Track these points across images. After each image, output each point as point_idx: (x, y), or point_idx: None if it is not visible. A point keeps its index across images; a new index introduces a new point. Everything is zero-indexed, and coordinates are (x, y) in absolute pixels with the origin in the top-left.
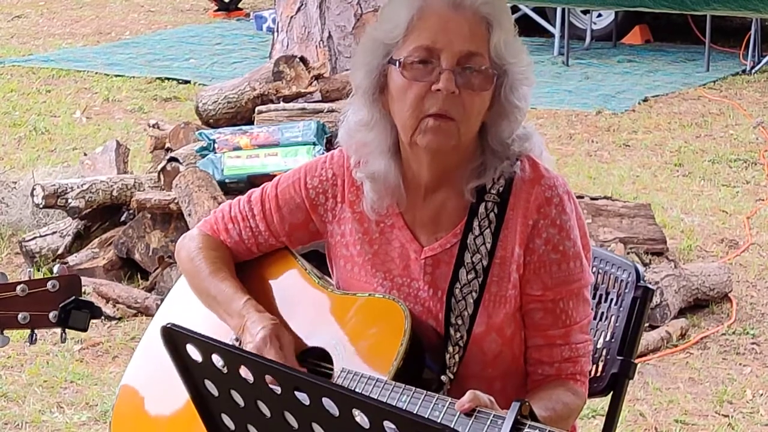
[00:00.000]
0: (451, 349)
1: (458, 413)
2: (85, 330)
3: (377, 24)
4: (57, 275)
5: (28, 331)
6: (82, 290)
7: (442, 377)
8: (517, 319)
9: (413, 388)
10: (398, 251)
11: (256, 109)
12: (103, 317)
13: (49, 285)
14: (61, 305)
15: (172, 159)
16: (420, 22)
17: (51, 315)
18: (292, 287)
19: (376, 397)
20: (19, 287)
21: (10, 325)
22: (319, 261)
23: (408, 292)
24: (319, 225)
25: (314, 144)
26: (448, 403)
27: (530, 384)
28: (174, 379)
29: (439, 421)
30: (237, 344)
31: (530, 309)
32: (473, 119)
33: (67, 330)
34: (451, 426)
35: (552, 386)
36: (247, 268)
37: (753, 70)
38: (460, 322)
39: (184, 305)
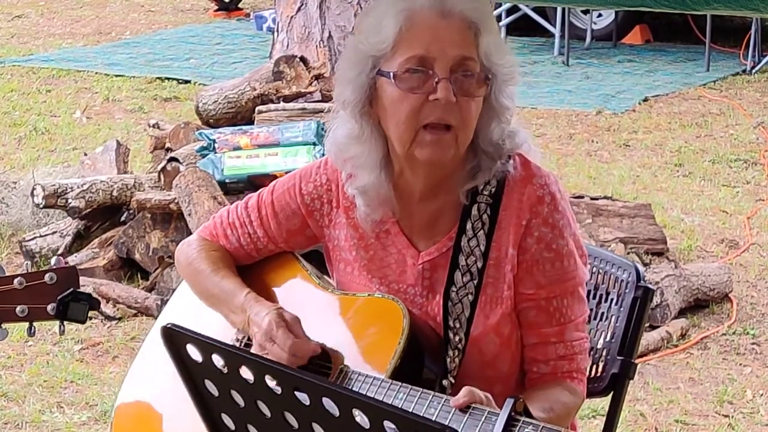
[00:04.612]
0: (451, 353)
1: (453, 411)
2: (83, 322)
3: (360, 36)
4: (54, 267)
5: (28, 329)
6: (80, 282)
7: (444, 382)
8: (514, 319)
9: (409, 386)
10: (395, 257)
11: (256, 109)
12: (103, 317)
13: (46, 278)
14: (59, 297)
15: (172, 159)
16: (409, 33)
17: (49, 307)
18: (293, 287)
19: (372, 396)
20: (16, 280)
21: (8, 318)
22: (319, 261)
23: (404, 298)
24: (316, 230)
25: (314, 144)
26: (443, 400)
27: (527, 383)
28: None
29: (434, 419)
30: (239, 344)
31: (524, 308)
32: (470, 125)
33: (65, 322)
34: (446, 423)
35: (549, 386)
36: (248, 269)
37: (753, 70)
38: (458, 325)
39: (183, 311)
